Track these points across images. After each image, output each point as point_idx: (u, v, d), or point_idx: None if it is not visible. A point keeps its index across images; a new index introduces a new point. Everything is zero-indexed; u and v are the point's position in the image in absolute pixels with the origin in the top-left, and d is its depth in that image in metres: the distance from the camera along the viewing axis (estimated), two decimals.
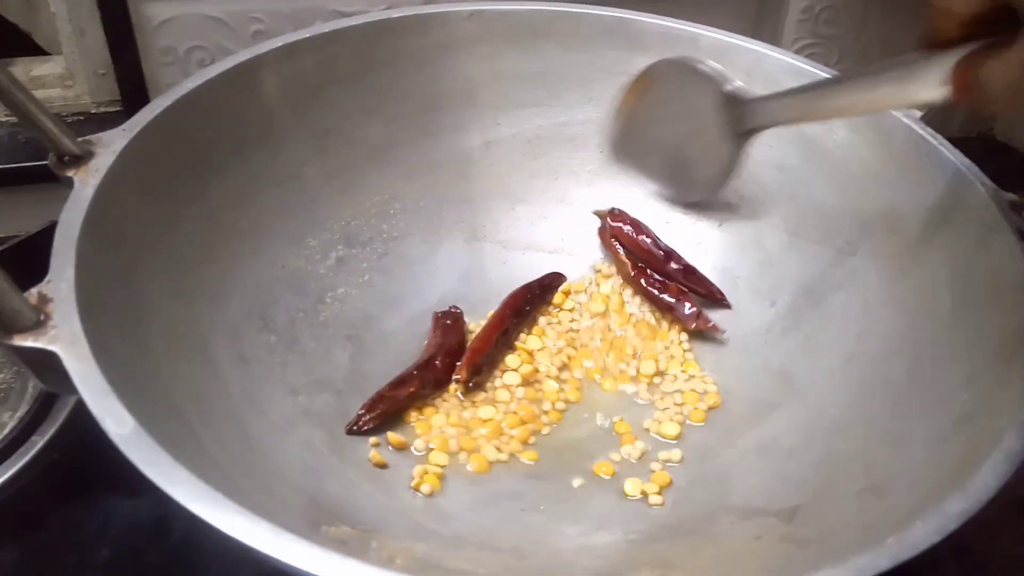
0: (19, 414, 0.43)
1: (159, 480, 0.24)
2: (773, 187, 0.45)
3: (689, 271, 0.46)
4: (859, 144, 0.42)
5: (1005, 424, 0.28)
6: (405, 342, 0.44)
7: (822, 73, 0.42)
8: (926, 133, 0.39)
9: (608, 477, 0.39)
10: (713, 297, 0.45)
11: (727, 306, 0.45)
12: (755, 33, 0.45)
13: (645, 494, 0.38)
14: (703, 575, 0.32)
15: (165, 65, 0.59)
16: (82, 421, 0.43)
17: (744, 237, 0.46)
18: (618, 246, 0.47)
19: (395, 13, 0.44)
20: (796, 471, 0.36)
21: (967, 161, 0.38)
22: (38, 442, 0.42)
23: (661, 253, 0.46)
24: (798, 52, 0.61)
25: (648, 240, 0.46)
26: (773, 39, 0.61)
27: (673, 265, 0.46)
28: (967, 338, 0.34)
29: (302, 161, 0.43)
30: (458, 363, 0.42)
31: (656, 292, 0.45)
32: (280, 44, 0.41)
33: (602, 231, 0.48)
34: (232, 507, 0.23)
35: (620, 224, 0.47)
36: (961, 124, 0.77)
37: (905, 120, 0.40)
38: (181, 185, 0.37)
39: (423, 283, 0.46)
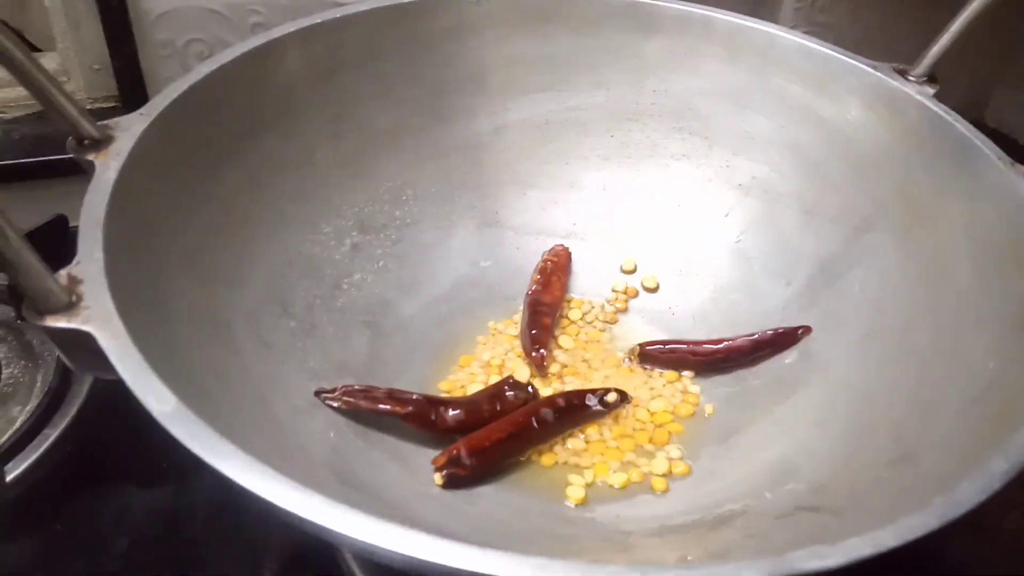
0: (29, 408, 0.43)
1: (207, 455, 0.23)
2: (786, 167, 0.45)
3: (758, 344, 0.42)
4: (873, 121, 0.42)
5: None
6: (422, 327, 0.44)
7: (836, 54, 0.43)
8: (940, 109, 0.40)
9: (627, 465, 0.39)
10: (795, 338, 0.42)
11: (808, 331, 0.42)
12: None
13: (665, 478, 0.38)
14: (740, 551, 0.32)
15: (163, 59, 0.58)
16: (93, 413, 0.43)
17: (758, 217, 0.46)
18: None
19: None
20: (824, 444, 0.36)
21: (981, 135, 0.38)
22: (50, 435, 0.42)
23: (710, 348, 0.43)
24: None
25: (691, 347, 0.43)
26: None
27: (735, 350, 0.42)
28: (990, 306, 0.34)
29: (314, 146, 0.43)
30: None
31: None
32: (294, 29, 0.41)
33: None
34: (281, 478, 0.23)
35: (655, 350, 0.44)
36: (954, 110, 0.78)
37: (918, 97, 0.40)
38: (197, 169, 0.37)
39: (437, 268, 0.46)
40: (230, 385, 0.33)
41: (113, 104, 0.60)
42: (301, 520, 0.23)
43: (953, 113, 0.39)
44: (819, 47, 0.43)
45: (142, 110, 0.35)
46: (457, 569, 0.22)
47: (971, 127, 0.39)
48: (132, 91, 0.58)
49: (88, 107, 0.60)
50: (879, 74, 0.41)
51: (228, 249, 0.37)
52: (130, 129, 0.34)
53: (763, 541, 0.31)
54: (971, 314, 0.35)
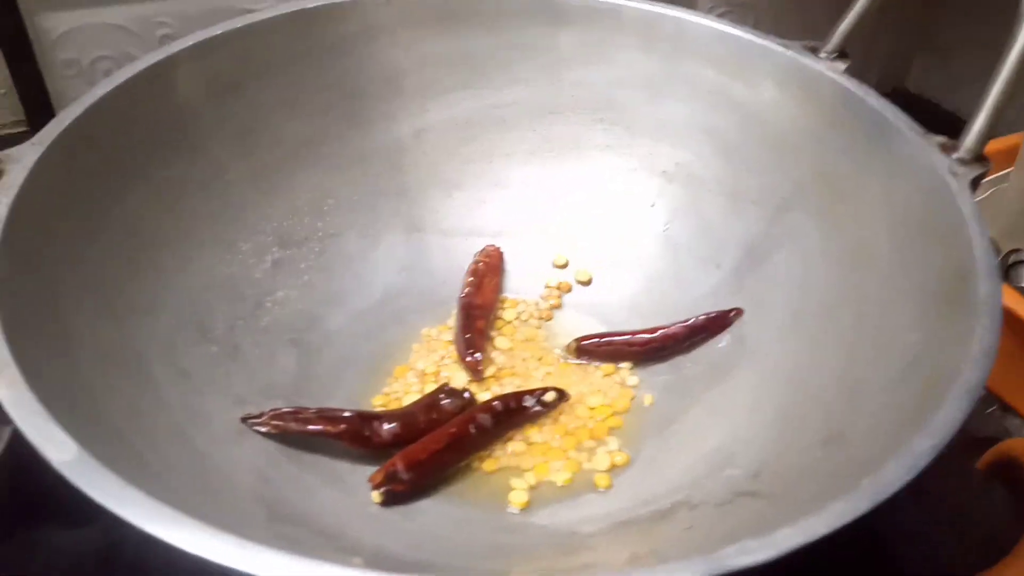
0: None
1: (111, 504, 0.22)
2: (706, 152, 0.45)
3: (691, 329, 0.42)
4: (787, 101, 0.42)
5: (958, 359, 0.28)
6: (352, 340, 0.43)
7: (747, 35, 0.42)
8: (851, 84, 0.40)
9: (569, 460, 0.38)
10: (727, 321, 0.42)
11: (740, 313, 0.42)
12: (671, 2, 0.44)
13: (608, 474, 0.38)
14: (676, 545, 0.32)
15: (70, 79, 0.56)
16: (18, 454, 0.41)
17: (684, 204, 0.46)
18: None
19: (309, 3, 0.43)
20: (758, 429, 0.36)
21: (894, 108, 0.38)
22: None
23: (645, 337, 0.42)
24: None
25: (626, 338, 0.43)
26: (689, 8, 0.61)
27: (669, 337, 0.42)
28: (910, 282, 0.34)
29: (225, 163, 0.41)
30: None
31: None
32: (191, 43, 0.39)
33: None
34: (191, 523, 0.22)
35: (592, 344, 0.43)
36: (877, 81, 0.79)
37: (829, 74, 0.40)
38: (98, 196, 0.35)
39: (365, 279, 0.45)
40: (144, 421, 0.31)
41: (23, 128, 0.58)
42: (216, 566, 0.22)
43: (865, 87, 0.40)
44: (729, 30, 0.43)
45: (34, 139, 0.34)
46: None
47: (883, 100, 0.39)
48: (40, 114, 0.56)
49: None
50: (790, 53, 0.41)
51: (137, 277, 0.36)
52: (21, 160, 0.32)
53: (704, 533, 0.31)
54: (893, 290, 0.35)
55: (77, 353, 0.31)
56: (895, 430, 0.28)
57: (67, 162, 0.34)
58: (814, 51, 0.42)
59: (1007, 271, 0.53)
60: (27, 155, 0.33)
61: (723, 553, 0.22)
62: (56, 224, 0.33)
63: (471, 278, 0.45)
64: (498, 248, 0.47)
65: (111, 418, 0.30)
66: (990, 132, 0.36)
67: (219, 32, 0.40)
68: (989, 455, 0.45)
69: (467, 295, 0.45)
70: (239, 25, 0.41)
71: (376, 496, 0.35)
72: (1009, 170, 0.54)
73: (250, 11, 0.53)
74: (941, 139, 0.36)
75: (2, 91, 0.57)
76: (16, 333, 0.27)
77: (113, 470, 0.23)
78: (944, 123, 0.37)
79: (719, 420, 0.38)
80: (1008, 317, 0.45)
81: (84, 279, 0.33)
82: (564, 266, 0.48)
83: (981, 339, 0.28)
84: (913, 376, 0.31)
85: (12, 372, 0.25)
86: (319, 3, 0.43)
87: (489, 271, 0.46)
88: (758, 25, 0.69)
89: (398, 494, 0.35)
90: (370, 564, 0.24)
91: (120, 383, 0.32)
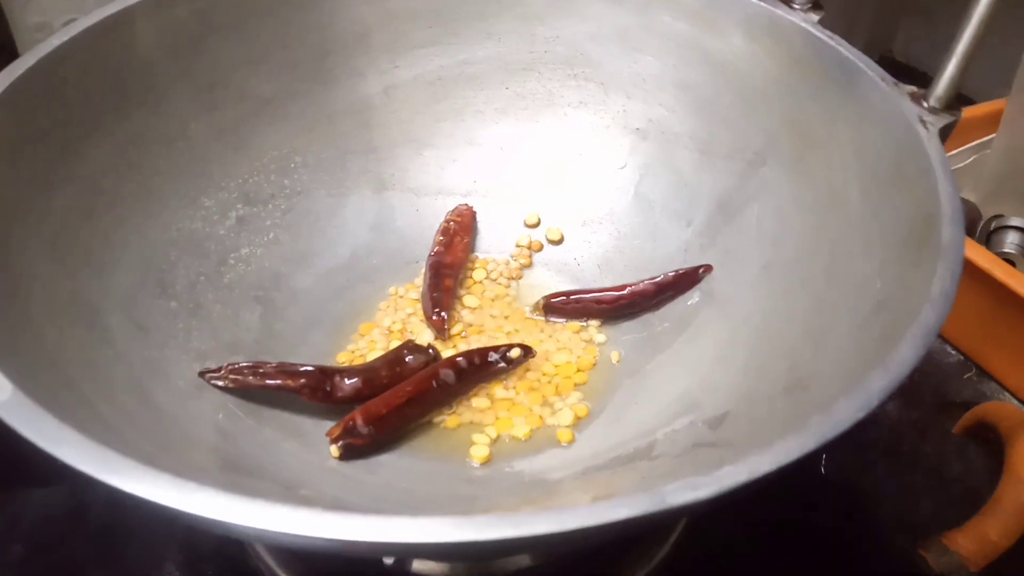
0: None
1: (42, 442, 0.22)
2: (679, 107, 0.44)
3: (660, 286, 0.42)
4: (758, 53, 0.41)
5: (919, 302, 0.28)
6: (319, 299, 0.43)
7: None
8: (823, 35, 0.39)
9: (532, 415, 0.38)
10: (696, 278, 0.41)
11: (709, 269, 0.41)
12: None
13: (570, 429, 0.37)
14: (639, 491, 0.32)
15: (40, 42, 0.55)
16: None
17: (656, 160, 0.45)
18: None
19: None
20: (723, 379, 0.36)
21: (866, 58, 0.38)
22: None
23: (614, 294, 0.42)
24: None
25: (595, 295, 0.42)
26: None
27: (638, 294, 0.42)
28: (879, 229, 0.34)
29: (188, 118, 0.40)
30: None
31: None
32: None
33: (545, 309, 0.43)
34: (127, 462, 0.22)
35: (560, 302, 0.43)
36: (863, 48, 0.78)
37: (803, 24, 0.40)
38: (55, 148, 0.35)
39: (332, 238, 0.45)
40: (101, 375, 0.31)
41: None
42: (153, 504, 0.21)
43: (836, 37, 0.39)
44: None
45: None
46: (344, 540, 0.21)
47: (855, 50, 0.38)
48: None
49: None
50: (762, 3, 0.41)
51: (96, 232, 0.35)
52: None
53: (659, 481, 0.31)
54: (860, 238, 0.35)
55: (33, 306, 0.30)
56: (853, 374, 0.28)
57: (20, 115, 0.33)
58: (787, 2, 0.41)
59: (988, 236, 0.53)
60: None
61: (666, 489, 0.21)
62: (12, 176, 0.32)
63: (441, 237, 0.45)
64: (471, 207, 0.47)
65: (64, 369, 0.29)
66: (959, 80, 0.35)
67: None
68: (965, 419, 0.45)
69: (436, 254, 0.44)
70: None
71: (334, 450, 0.35)
72: (991, 136, 0.54)
73: None
74: (911, 88, 0.36)
75: None
76: None
77: (51, 411, 0.23)
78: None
79: (685, 372, 0.37)
80: (986, 280, 0.45)
81: (41, 232, 0.32)
82: (535, 225, 0.47)
83: (942, 280, 0.28)
84: (875, 322, 0.30)
85: None
86: None
87: (460, 230, 0.45)
88: None
89: (357, 448, 0.35)
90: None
91: (73, 334, 0.31)
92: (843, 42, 0.39)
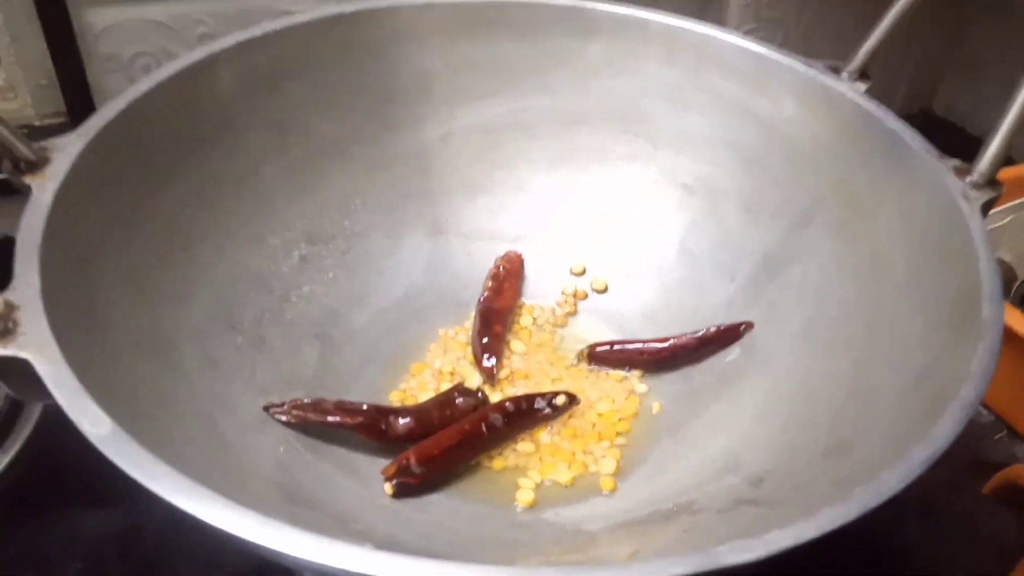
0: None
1: (141, 477, 0.24)
2: (727, 164, 0.46)
3: (702, 340, 0.43)
4: (807, 118, 0.43)
5: (960, 376, 0.29)
6: (373, 337, 0.44)
7: (769, 53, 0.43)
8: (871, 105, 0.40)
9: (575, 461, 0.39)
10: (737, 334, 0.43)
11: (750, 327, 0.43)
12: (700, 17, 0.45)
13: (612, 477, 0.39)
14: (676, 546, 0.33)
15: (110, 72, 0.58)
16: (46, 437, 0.43)
17: (703, 215, 0.47)
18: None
19: (347, 8, 0.44)
20: (764, 436, 0.37)
21: (912, 131, 0.39)
22: (3, 460, 0.41)
23: (657, 346, 0.43)
24: None
25: (638, 346, 0.44)
26: (718, 23, 0.62)
27: (680, 347, 0.43)
28: (922, 297, 0.35)
29: (259, 160, 0.43)
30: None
31: None
32: (232, 43, 0.41)
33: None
34: (218, 499, 0.23)
35: (604, 352, 0.44)
36: (903, 101, 0.79)
37: (850, 94, 0.41)
38: (138, 187, 0.37)
39: (388, 278, 0.46)
40: (174, 405, 0.33)
41: (61, 120, 0.60)
42: (228, 536, 0.23)
43: (884, 108, 0.40)
44: (754, 46, 0.44)
45: (79, 130, 0.35)
46: None
47: (901, 121, 0.40)
48: (80, 106, 0.58)
49: (36, 123, 0.59)
50: (812, 72, 0.42)
51: (172, 267, 0.37)
52: (66, 150, 0.34)
53: (702, 536, 0.32)
54: (903, 304, 0.36)
55: (113, 338, 0.32)
56: (898, 441, 0.29)
57: (109, 154, 0.35)
58: (836, 71, 0.43)
59: (1023, 298, 0.54)
60: (71, 145, 0.34)
61: (717, 550, 0.23)
62: (97, 213, 0.34)
63: (491, 282, 0.47)
64: (519, 253, 0.49)
65: (142, 399, 0.31)
66: (1003, 157, 0.36)
67: (259, 33, 0.42)
68: (996, 479, 0.45)
69: (486, 299, 0.46)
70: (279, 27, 0.42)
71: (388, 488, 0.36)
72: None
73: (287, 12, 0.54)
74: (955, 162, 0.37)
75: (44, 82, 0.59)
76: (57, 315, 0.28)
77: (145, 446, 0.24)
78: (970, 147, 0.37)
79: (726, 427, 0.39)
80: (1020, 344, 0.46)
81: (121, 267, 0.34)
82: (581, 273, 0.49)
83: (981, 359, 0.29)
84: (919, 390, 0.31)
85: (53, 350, 0.27)
86: (357, 7, 0.44)
87: (509, 276, 0.47)
88: (786, 42, 0.71)
89: (409, 487, 0.36)
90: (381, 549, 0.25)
91: (152, 368, 0.33)
92: (890, 113, 0.40)
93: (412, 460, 0.36)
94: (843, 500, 0.25)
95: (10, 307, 0.28)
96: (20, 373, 0.27)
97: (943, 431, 0.27)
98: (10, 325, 0.27)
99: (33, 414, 0.43)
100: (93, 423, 0.25)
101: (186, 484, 0.24)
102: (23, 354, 0.26)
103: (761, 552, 0.23)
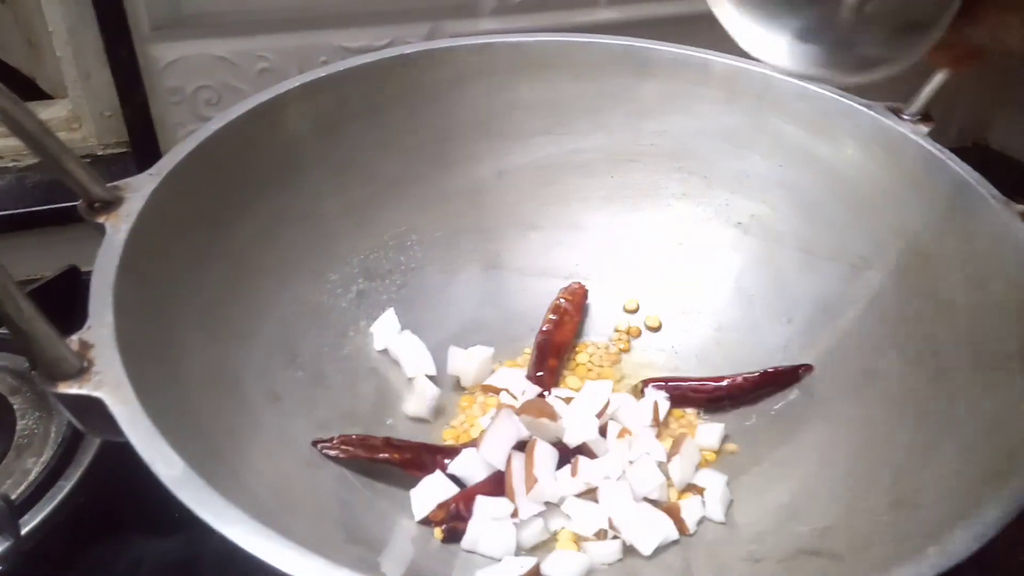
0: (44, 459, 0.43)
1: (213, 521, 0.24)
2: (783, 206, 0.46)
3: (759, 381, 0.43)
4: (869, 162, 0.42)
5: None
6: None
7: (830, 94, 0.43)
8: (934, 148, 0.40)
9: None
10: (796, 377, 0.42)
11: (809, 370, 0.42)
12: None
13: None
14: None
15: (173, 105, 0.59)
16: (107, 464, 0.44)
17: (758, 256, 0.46)
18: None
19: (407, 49, 0.45)
20: (826, 485, 0.36)
21: (976, 174, 0.39)
22: (64, 487, 0.42)
23: (713, 386, 0.43)
24: None
25: (693, 384, 0.44)
26: None
27: (736, 387, 0.43)
28: (987, 347, 0.34)
29: (322, 197, 0.43)
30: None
31: None
32: (299, 83, 0.42)
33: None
34: (287, 545, 0.24)
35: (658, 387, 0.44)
36: (957, 134, 0.78)
37: (913, 136, 0.41)
38: (208, 226, 0.38)
39: (442, 312, 0.47)
40: (240, 441, 0.33)
41: (124, 150, 0.62)
42: None
43: (947, 152, 0.40)
44: (815, 88, 0.44)
45: (151, 170, 0.36)
46: None
47: (966, 165, 0.39)
48: (142, 137, 0.60)
49: (99, 152, 0.61)
50: (874, 114, 0.42)
51: (239, 304, 0.38)
52: (140, 190, 0.35)
53: None
54: (969, 355, 0.35)
55: (183, 375, 0.33)
56: (965, 498, 0.28)
57: (180, 194, 0.36)
58: (897, 112, 0.42)
59: None
60: (144, 185, 0.35)
61: None
62: (169, 251, 0.35)
63: (553, 316, 0.47)
64: (583, 286, 0.49)
65: (212, 435, 0.32)
66: None
67: (324, 74, 0.43)
68: None
69: (546, 331, 0.46)
70: (341, 68, 0.43)
71: (437, 532, 0.36)
72: None
73: (347, 49, 0.57)
74: (1022, 208, 0.37)
75: (108, 113, 0.60)
76: (130, 354, 0.29)
77: (215, 487, 0.25)
78: None
79: (786, 474, 0.38)
80: None
81: (193, 304, 0.35)
82: (635, 311, 0.49)
83: None
84: (986, 444, 0.31)
85: (127, 391, 0.27)
86: (416, 49, 0.45)
87: (572, 309, 0.47)
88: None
89: (458, 532, 0.36)
90: None
91: (220, 404, 0.34)
92: (953, 156, 0.40)
93: (461, 506, 0.36)
94: (914, 559, 0.24)
95: (85, 346, 0.28)
96: (94, 412, 0.27)
97: (1017, 490, 0.26)
98: (85, 364, 0.28)
99: (94, 441, 0.44)
100: (167, 465, 0.25)
101: (255, 528, 0.24)
102: (98, 393, 0.27)
103: None
